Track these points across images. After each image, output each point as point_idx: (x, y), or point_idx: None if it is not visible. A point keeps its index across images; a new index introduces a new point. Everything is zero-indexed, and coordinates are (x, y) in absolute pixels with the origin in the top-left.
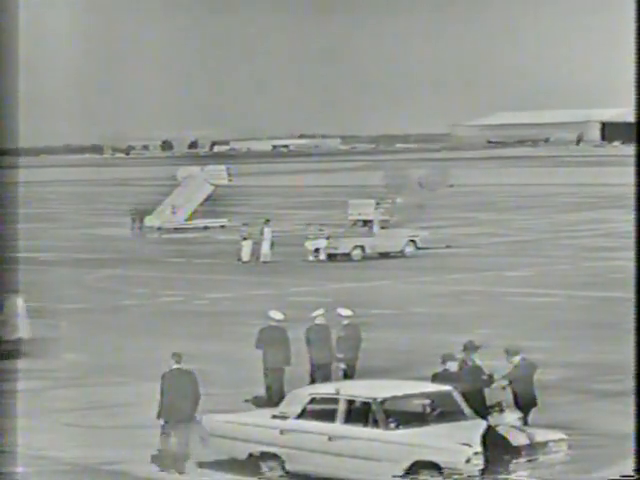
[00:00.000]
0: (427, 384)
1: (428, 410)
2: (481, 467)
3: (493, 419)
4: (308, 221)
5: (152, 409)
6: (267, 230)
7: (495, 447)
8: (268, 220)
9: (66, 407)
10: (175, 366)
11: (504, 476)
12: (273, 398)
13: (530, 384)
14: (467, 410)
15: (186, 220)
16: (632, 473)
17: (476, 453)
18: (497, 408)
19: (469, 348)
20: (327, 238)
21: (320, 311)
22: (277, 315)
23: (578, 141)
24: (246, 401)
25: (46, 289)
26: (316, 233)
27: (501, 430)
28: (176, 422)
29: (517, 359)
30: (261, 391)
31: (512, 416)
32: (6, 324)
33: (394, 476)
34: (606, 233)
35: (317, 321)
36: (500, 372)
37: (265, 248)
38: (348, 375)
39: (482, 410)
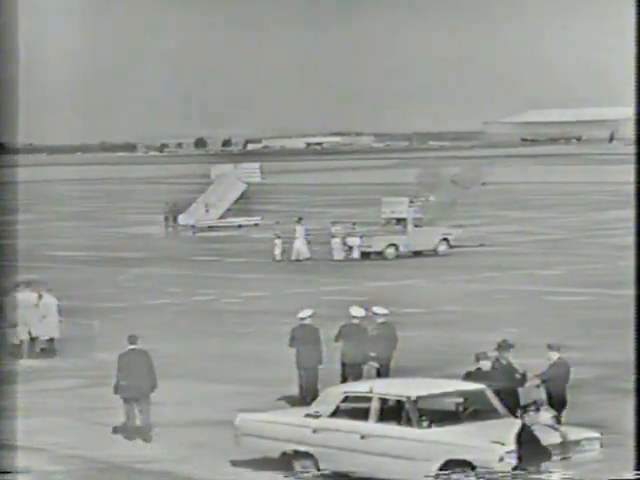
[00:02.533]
0: (460, 382)
1: (461, 409)
2: (514, 466)
3: (529, 418)
4: (337, 219)
5: (182, 408)
6: (300, 228)
7: (529, 446)
8: (301, 218)
9: (97, 406)
10: (130, 347)
11: (537, 475)
12: (307, 397)
13: (563, 383)
14: (500, 409)
15: (219, 218)
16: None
17: (509, 452)
18: (533, 407)
19: (503, 347)
20: (361, 236)
21: (359, 310)
22: (306, 313)
23: (611, 139)
24: (279, 400)
25: (79, 288)
26: (346, 231)
27: (536, 429)
28: (135, 399)
29: (555, 356)
30: (294, 390)
31: (546, 415)
32: (40, 322)
33: (427, 475)
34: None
35: (353, 320)
36: (533, 371)
37: (298, 246)
38: (381, 374)
39: (516, 409)
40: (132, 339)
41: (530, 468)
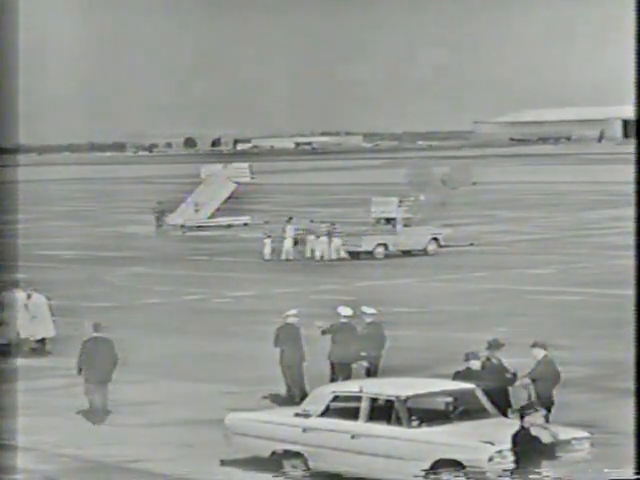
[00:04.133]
0: (450, 382)
1: (451, 408)
2: (505, 466)
3: (530, 419)
4: (329, 219)
5: (171, 407)
6: (289, 228)
7: (527, 446)
8: (291, 218)
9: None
10: (94, 334)
11: (533, 476)
12: (294, 395)
13: (550, 382)
14: (490, 408)
15: (209, 218)
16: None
17: (499, 451)
18: (531, 409)
19: (493, 346)
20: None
21: (347, 310)
22: (292, 312)
23: (600, 138)
24: (264, 398)
25: (70, 287)
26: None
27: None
28: (97, 382)
29: (542, 355)
30: (281, 389)
31: (536, 414)
32: (31, 322)
33: (416, 475)
34: (628, 231)
35: (342, 320)
36: (522, 370)
37: (288, 246)
38: (371, 373)
39: (506, 408)
40: (96, 327)
41: (530, 468)
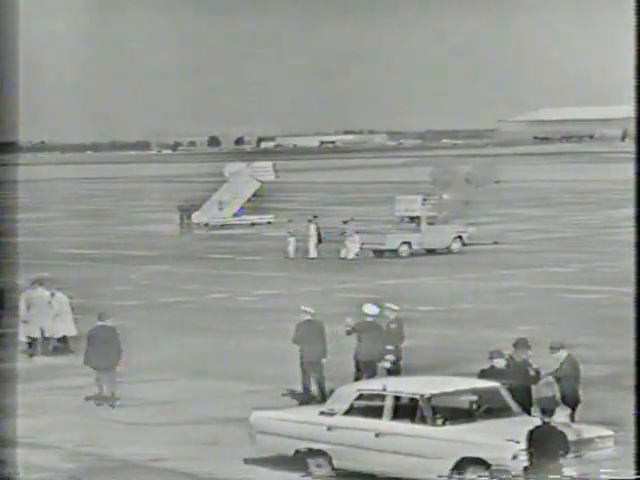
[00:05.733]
0: (474, 380)
1: (475, 406)
2: (529, 464)
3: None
4: (351, 216)
5: (196, 405)
6: (313, 227)
7: (551, 443)
8: (315, 216)
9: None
10: (99, 323)
11: (553, 475)
12: (311, 393)
13: (574, 380)
14: (514, 406)
15: (233, 216)
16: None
17: (523, 449)
18: (552, 404)
19: (520, 345)
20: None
21: (373, 308)
22: (309, 310)
23: (623, 137)
24: (283, 395)
25: (94, 286)
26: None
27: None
28: (103, 369)
29: (563, 355)
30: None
31: (561, 413)
32: (54, 321)
33: (440, 475)
34: None
35: (367, 318)
36: (547, 369)
37: (312, 244)
38: (392, 371)
39: (529, 406)
40: (101, 316)
41: (550, 466)
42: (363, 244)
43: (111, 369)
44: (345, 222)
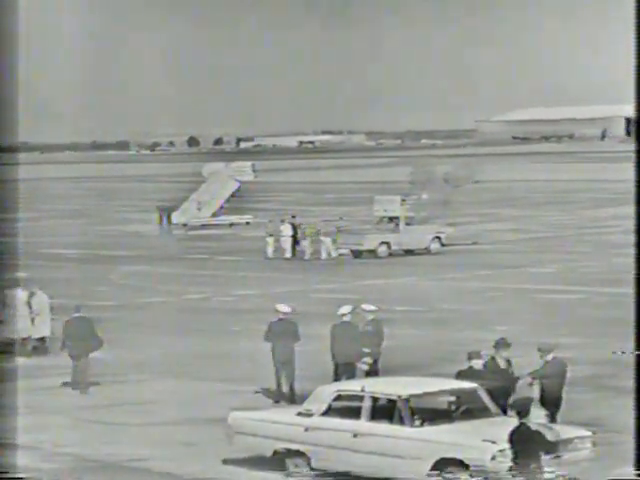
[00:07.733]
0: (452, 381)
1: (453, 407)
2: (507, 465)
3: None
4: (330, 217)
5: (173, 406)
6: (288, 226)
7: (530, 443)
8: (294, 216)
9: (88, 404)
10: (75, 314)
11: (531, 474)
12: (284, 393)
13: (559, 382)
14: (493, 407)
15: (211, 216)
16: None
17: (501, 450)
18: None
19: (500, 345)
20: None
21: (347, 308)
22: (284, 308)
23: (602, 137)
24: (256, 392)
25: (71, 286)
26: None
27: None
28: (77, 355)
29: (551, 355)
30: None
31: (538, 413)
32: (32, 321)
33: (418, 475)
34: (631, 229)
35: (344, 318)
36: (526, 369)
37: (287, 244)
38: (371, 372)
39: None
40: (77, 308)
41: (531, 465)
42: (342, 244)
43: (84, 355)
44: (326, 221)
